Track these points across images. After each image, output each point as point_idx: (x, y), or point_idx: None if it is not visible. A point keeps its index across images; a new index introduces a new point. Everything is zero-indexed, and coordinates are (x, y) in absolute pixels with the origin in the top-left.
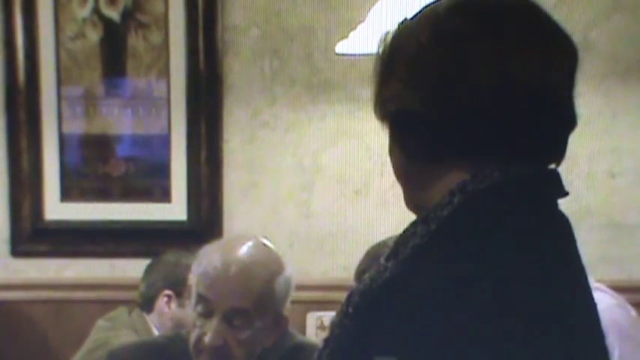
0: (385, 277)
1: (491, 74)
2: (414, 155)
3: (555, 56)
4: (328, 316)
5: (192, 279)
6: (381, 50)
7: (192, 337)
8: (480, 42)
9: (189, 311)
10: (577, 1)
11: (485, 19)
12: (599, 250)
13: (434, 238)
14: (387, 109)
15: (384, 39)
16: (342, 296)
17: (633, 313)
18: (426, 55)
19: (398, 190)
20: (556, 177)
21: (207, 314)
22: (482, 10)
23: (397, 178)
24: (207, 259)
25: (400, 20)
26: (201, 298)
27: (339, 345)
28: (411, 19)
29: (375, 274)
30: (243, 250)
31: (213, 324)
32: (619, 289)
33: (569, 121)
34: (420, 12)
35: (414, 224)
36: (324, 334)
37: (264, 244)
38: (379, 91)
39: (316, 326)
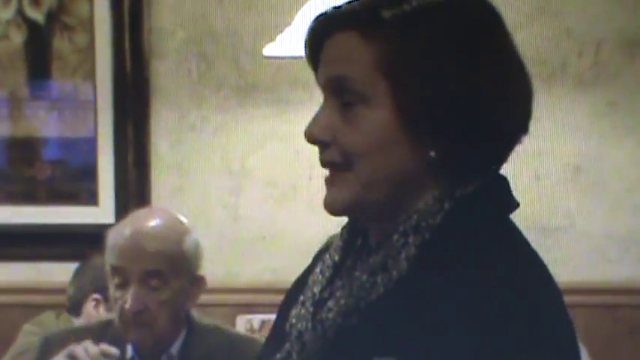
0: (381, 292)
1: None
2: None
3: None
4: (257, 318)
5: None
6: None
7: (116, 311)
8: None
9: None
10: (502, 3)
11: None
12: None
13: (431, 247)
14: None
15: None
16: (271, 299)
17: None
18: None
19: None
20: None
21: (124, 284)
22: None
23: (379, 173)
24: (115, 233)
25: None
26: (115, 270)
27: None
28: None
29: (358, 290)
30: (148, 217)
31: (131, 290)
32: None
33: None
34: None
35: (403, 235)
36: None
37: (168, 211)
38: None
39: (245, 329)
